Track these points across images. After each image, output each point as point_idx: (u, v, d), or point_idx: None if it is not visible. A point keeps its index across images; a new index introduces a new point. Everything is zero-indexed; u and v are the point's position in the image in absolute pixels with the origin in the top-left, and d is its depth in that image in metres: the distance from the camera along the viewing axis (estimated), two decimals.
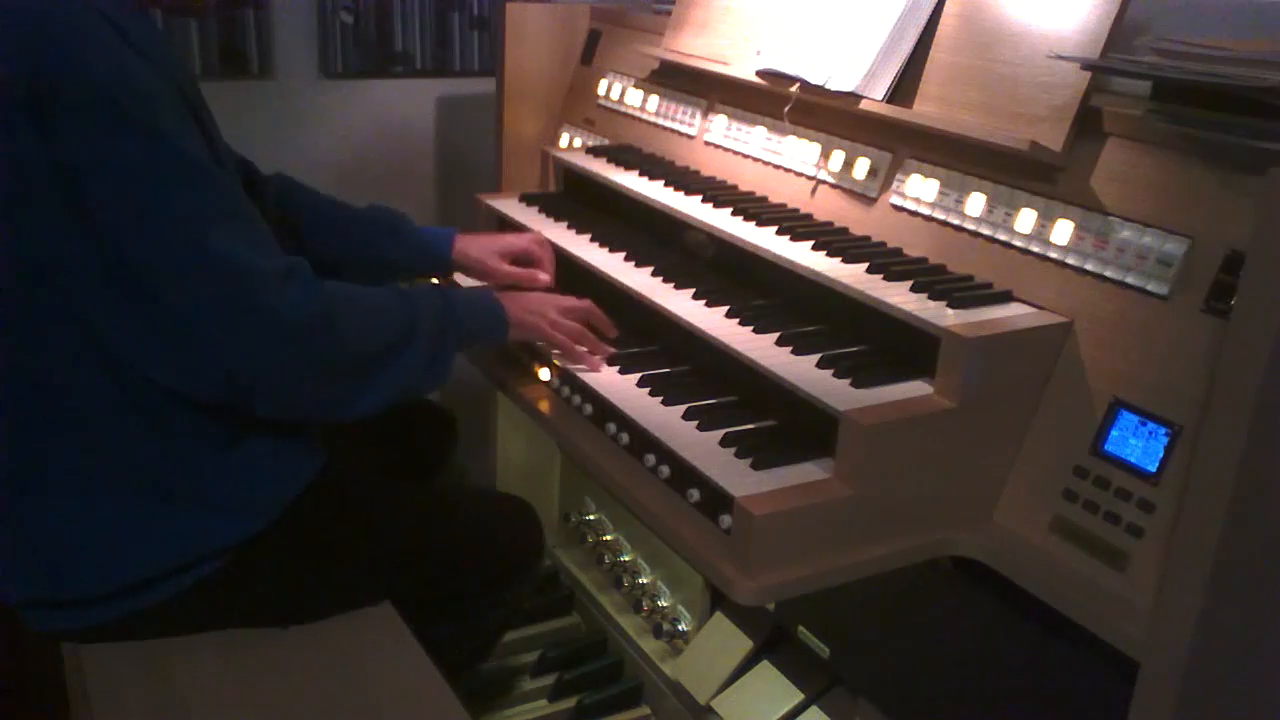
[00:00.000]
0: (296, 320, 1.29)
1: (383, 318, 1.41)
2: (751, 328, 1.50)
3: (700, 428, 1.41)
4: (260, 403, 1.34)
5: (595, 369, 1.60)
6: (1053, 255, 1.39)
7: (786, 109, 1.77)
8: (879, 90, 1.63)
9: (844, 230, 1.67)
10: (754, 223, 1.68)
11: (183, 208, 1.24)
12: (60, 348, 1.32)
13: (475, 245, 1.79)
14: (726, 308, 1.56)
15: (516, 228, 2.01)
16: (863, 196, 1.68)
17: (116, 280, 1.25)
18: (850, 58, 1.66)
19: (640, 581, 2.25)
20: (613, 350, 1.63)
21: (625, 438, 1.45)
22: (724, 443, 1.36)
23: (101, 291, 1.26)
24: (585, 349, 1.61)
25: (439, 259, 1.79)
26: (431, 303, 1.47)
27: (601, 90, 2.34)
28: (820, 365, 1.40)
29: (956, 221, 1.52)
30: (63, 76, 1.19)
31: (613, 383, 1.54)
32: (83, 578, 1.38)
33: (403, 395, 1.43)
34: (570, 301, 1.64)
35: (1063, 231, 1.38)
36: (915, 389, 1.35)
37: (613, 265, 1.74)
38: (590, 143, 2.31)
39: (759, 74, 1.82)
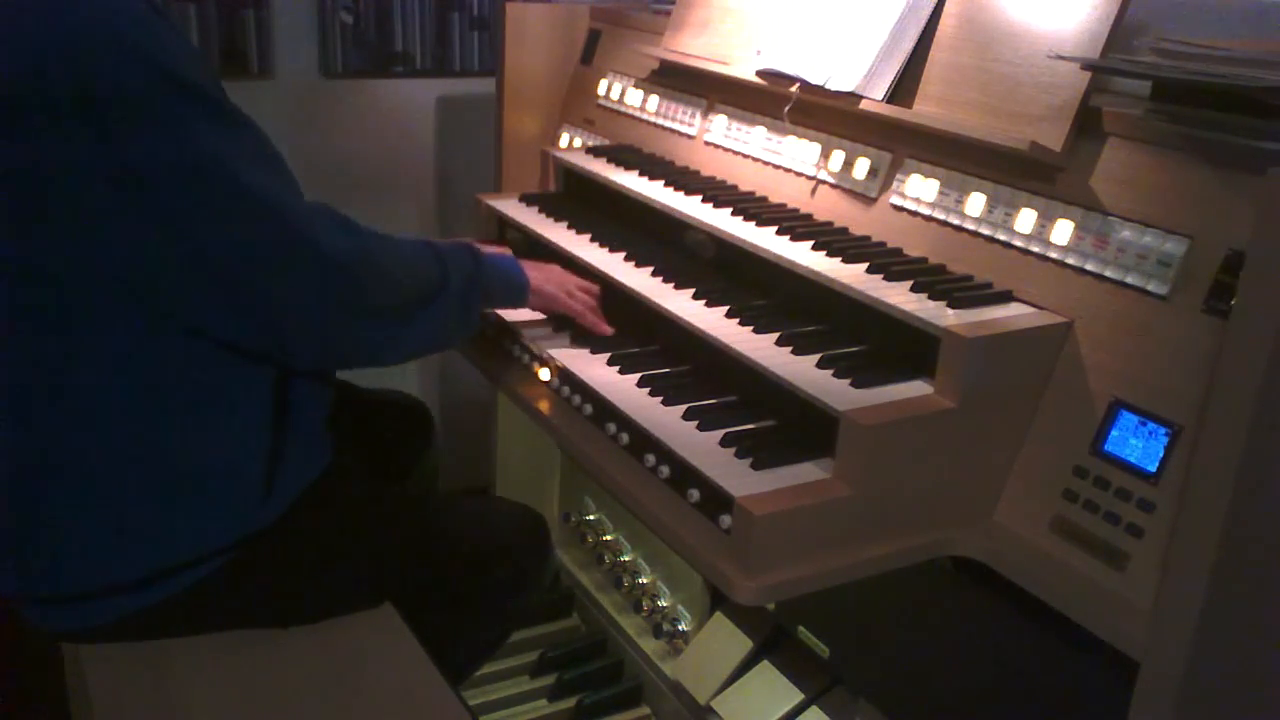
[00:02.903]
0: (337, 255, 1.33)
1: (417, 262, 1.46)
2: (751, 328, 1.50)
3: (700, 428, 1.41)
4: (301, 347, 1.37)
5: (605, 333, 1.67)
6: (1053, 255, 1.39)
7: (786, 109, 1.77)
8: (879, 90, 1.63)
9: (844, 230, 1.67)
10: (754, 223, 1.68)
11: (220, 151, 1.25)
12: (73, 344, 1.32)
13: None
14: (726, 308, 1.56)
15: (516, 228, 2.02)
16: (863, 196, 1.68)
17: (161, 232, 1.25)
18: (850, 58, 1.66)
19: (640, 581, 2.25)
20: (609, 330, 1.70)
21: (625, 438, 1.45)
22: (724, 443, 1.36)
23: (146, 247, 1.26)
24: (589, 326, 1.68)
25: None
26: (460, 256, 1.53)
27: (601, 90, 2.34)
28: (820, 365, 1.40)
29: (956, 221, 1.52)
30: (113, 67, 1.19)
31: (613, 383, 1.54)
32: (85, 573, 1.38)
33: (436, 344, 1.50)
34: (586, 282, 1.72)
35: (1063, 231, 1.38)
36: (915, 389, 1.35)
37: (613, 265, 1.74)
38: (590, 143, 2.31)
39: (759, 74, 1.82)
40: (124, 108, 1.19)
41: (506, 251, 1.77)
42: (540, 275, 1.67)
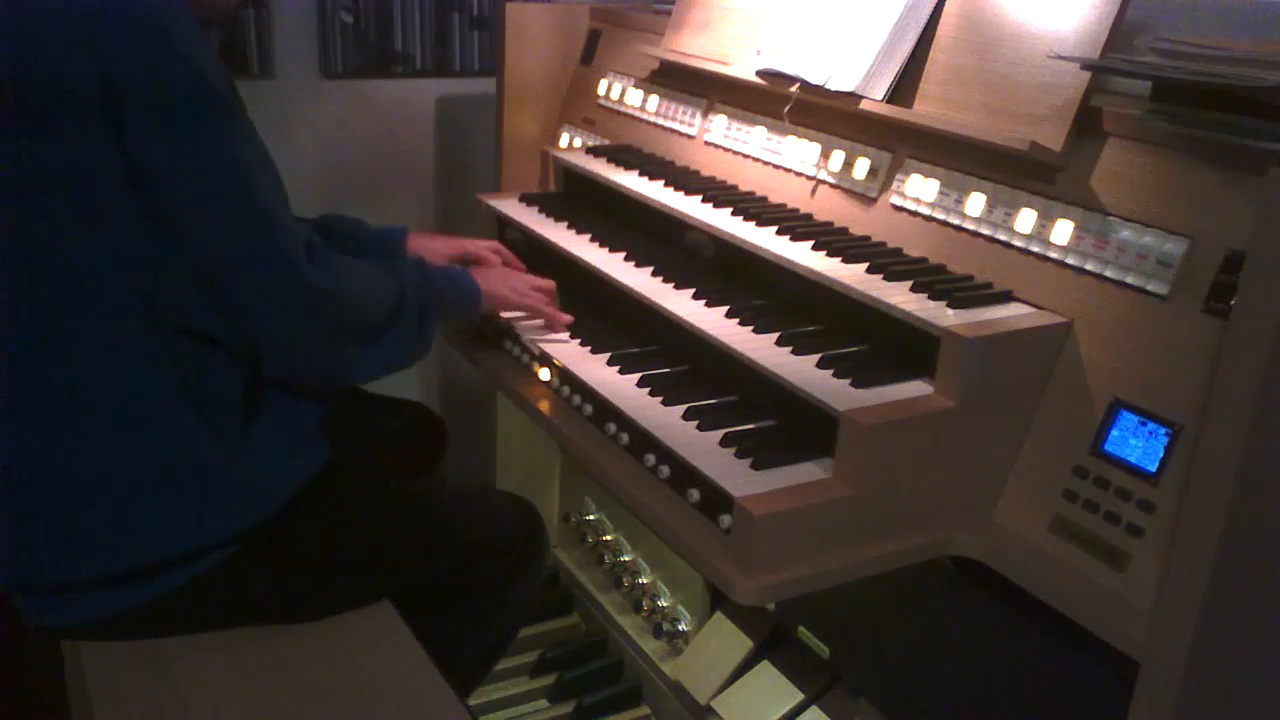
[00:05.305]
0: (317, 281, 1.35)
1: (378, 288, 1.48)
2: (751, 328, 1.50)
3: (700, 428, 1.41)
4: (271, 361, 1.40)
5: (556, 330, 1.69)
6: (1053, 255, 1.39)
7: (786, 109, 1.77)
8: (879, 90, 1.63)
9: (844, 230, 1.67)
10: (754, 223, 1.68)
11: (238, 158, 1.29)
12: (70, 339, 1.33)
13: (425, 247, 1.84)
14: (726, 308, 1.56)
15: (516, 228, 2.02)
16: (863, 196, 1.68)
17: (162, 232, 1.29)
18: (850, 58, 1.66)
19: (640, 581, 2.25)
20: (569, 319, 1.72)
21: (625, 438, 1.45)
22: (724, 443, 1.36)
23: (145, 248, 1.30)
24: (546, 318, 1.71)
25: (395, 258, 1.82)
26: (414, 276, 1.55)
27: (601, 90, 2.34)
28: (820, 365, 1.40)
29: (956, 221, 1.52)
30: (150, 67, 1.22)
31: (613, 383, 1.54)
32: (82, 563, 1.38)
33: (398, 362, 1.51)
34: (537, 279, 1.75)
35: (1063, 231, 1.38)
36: (915, 389, 1.35)
37: (613, 265, 1.74)
38: (590, 143, 2.31)
39: (759, 74, 1.82)
40: (150, 103, 1.22)
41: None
42: (488, 279, 1.68)
